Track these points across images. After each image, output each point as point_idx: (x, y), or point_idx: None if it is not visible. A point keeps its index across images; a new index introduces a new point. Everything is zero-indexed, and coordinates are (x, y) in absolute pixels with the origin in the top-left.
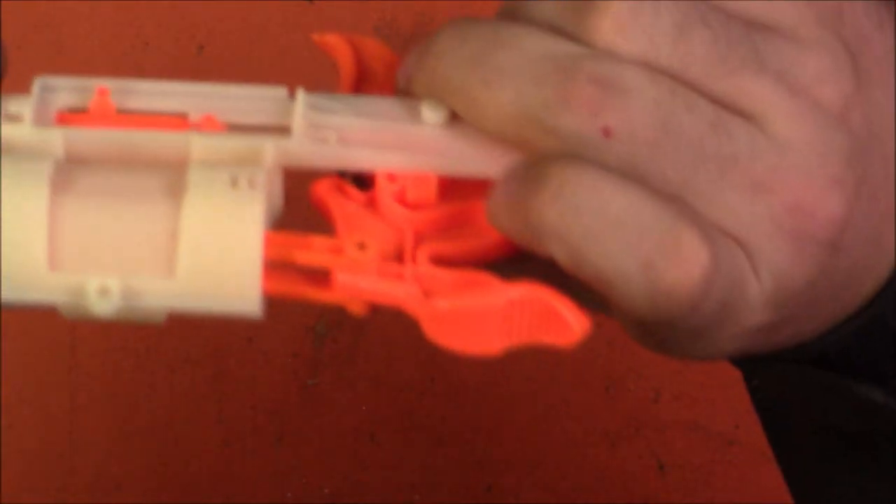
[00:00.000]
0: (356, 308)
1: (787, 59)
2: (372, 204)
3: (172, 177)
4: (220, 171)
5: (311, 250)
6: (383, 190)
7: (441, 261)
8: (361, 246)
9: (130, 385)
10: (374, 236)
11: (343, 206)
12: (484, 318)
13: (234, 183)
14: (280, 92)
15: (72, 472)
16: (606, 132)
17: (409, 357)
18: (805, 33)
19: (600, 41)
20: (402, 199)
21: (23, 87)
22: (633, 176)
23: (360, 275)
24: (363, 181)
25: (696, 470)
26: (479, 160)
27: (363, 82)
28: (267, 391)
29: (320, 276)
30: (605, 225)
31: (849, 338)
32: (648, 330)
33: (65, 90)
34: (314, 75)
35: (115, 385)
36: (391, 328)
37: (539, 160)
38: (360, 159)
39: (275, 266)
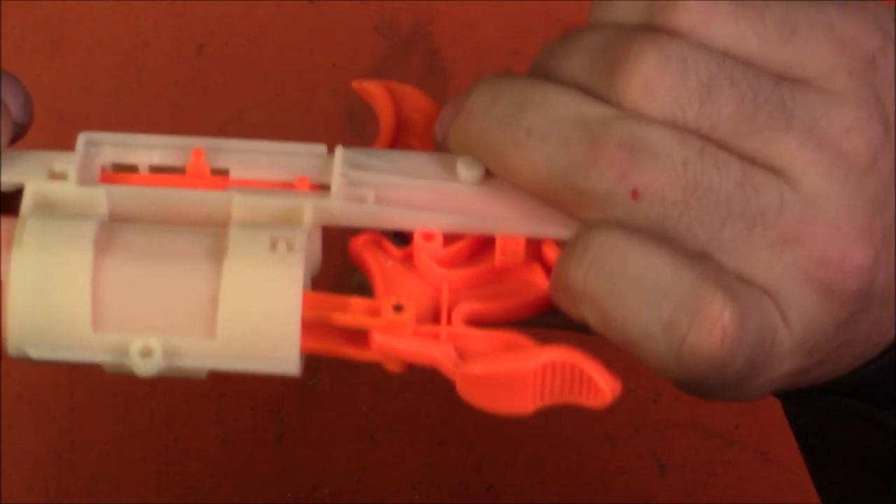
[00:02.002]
0: (393, 366)
1: (817, 113)
2: (409, 259)
3: (213, 237)
4: (260, 232)
5: (349, 312)
6: (420, 248)
7: (476, 320)
8: (398, 308)
9: (130, 385)
10: (411, 295)
11: (380, 261)
12: (517, 381)
13: (273, 246)
14: (319, 149)
15: (72, 472)
16: (635, 194)
17: None
18: (836, 84)
19: (628, 102)
20: (438, 258)
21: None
22: (661, 234)
23: (396, 336)
24: (401, 235)
25: (696, 470)
26: (514, 219)
27: (402, 132)
28: (267, 391)
29: (358, 335)
30: (628, 285)
31: (886, 368)
32: (682, 384)
33: (108, 145)
34: (313, 75)
35: (115, 385)
36: None
37: (576, 232)
38: (397, 219)
39: (313, 325)
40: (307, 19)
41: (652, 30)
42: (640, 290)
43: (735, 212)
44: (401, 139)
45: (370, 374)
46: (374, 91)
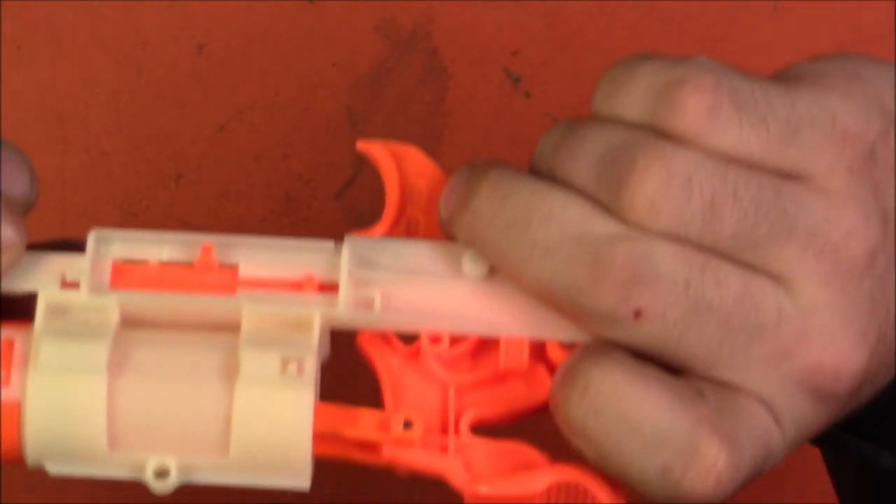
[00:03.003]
0: (402, 472)
1: (817, 220)
2: (415, 356)
3: (224, 352)
4: (270, 352)
5: (359, 426)
6: (426, 351)
7: (483, 423)
8: (408, 424)
9: None
10: (418, 399)
11: (387, 359)
12: (524, 500)
13: (283, 367)
14: (327, 244)
15: None
16: (637, 314)
17: None
18: (836, 183)
19: (632, 217)
20: (444, 360)
21: (23, 86)
22: (660, 354)
23: (406, 449)
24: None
25: None
26: (518, 322)
27: (407, 204)
28: None
29: (368, 443)
30: (626, 430)
31: (878, 405)
32: None
33: (118, 241)
34: (314, 75)
35: None
36: None
37: (574, 358)
38: (404, 324)
39: (324, 435)
40: (307, 19)
41: (656, 136)
42: (637, 437)
43: (734, 329)
44: (406, 211)
45: (370, 378)
46: (379, 157)
